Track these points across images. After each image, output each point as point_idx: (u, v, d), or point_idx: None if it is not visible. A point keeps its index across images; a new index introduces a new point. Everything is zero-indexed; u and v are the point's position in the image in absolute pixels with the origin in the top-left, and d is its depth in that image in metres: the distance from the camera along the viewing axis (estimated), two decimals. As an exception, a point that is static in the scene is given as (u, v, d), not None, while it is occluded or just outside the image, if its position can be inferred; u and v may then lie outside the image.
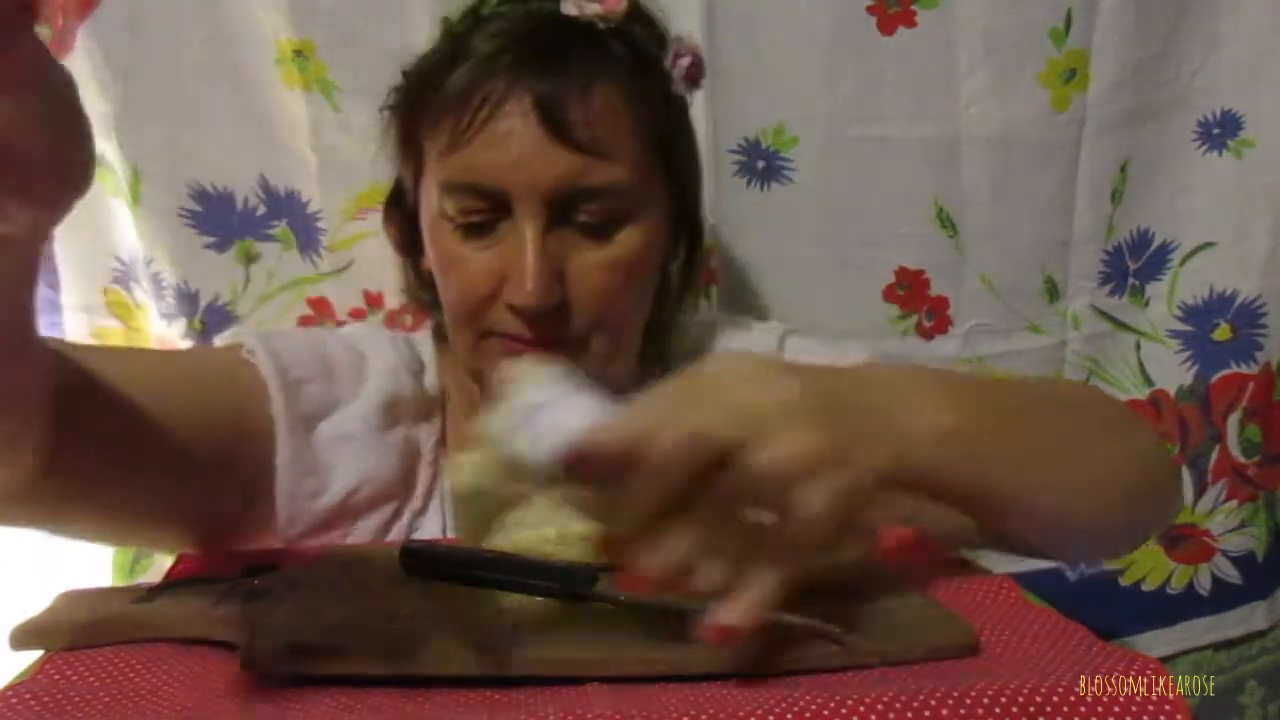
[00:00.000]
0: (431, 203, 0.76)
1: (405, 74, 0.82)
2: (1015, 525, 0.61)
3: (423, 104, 0.77)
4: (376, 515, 0.78)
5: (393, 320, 1.04)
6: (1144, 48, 1.06)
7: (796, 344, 0.91)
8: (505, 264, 0.73)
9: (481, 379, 0.79)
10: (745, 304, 1.08)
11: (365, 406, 0.78)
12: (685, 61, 0.81)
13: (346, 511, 0.76)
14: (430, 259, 0.79)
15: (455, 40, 0.77)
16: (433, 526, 0.80)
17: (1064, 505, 0.61)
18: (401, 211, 0.84)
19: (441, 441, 0.83)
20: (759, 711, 0.42)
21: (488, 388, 0.78)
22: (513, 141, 0.71)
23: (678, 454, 0.44)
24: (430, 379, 0.85)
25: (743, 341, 0.90)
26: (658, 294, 0.83)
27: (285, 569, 0.63)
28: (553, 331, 0.74)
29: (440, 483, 0.81)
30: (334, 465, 0.76)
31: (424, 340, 0.88)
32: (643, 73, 0.77)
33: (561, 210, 0.72)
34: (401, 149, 0.82)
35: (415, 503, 0.80)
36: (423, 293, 0.88)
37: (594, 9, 0.76)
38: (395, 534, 0.78)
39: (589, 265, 0.74)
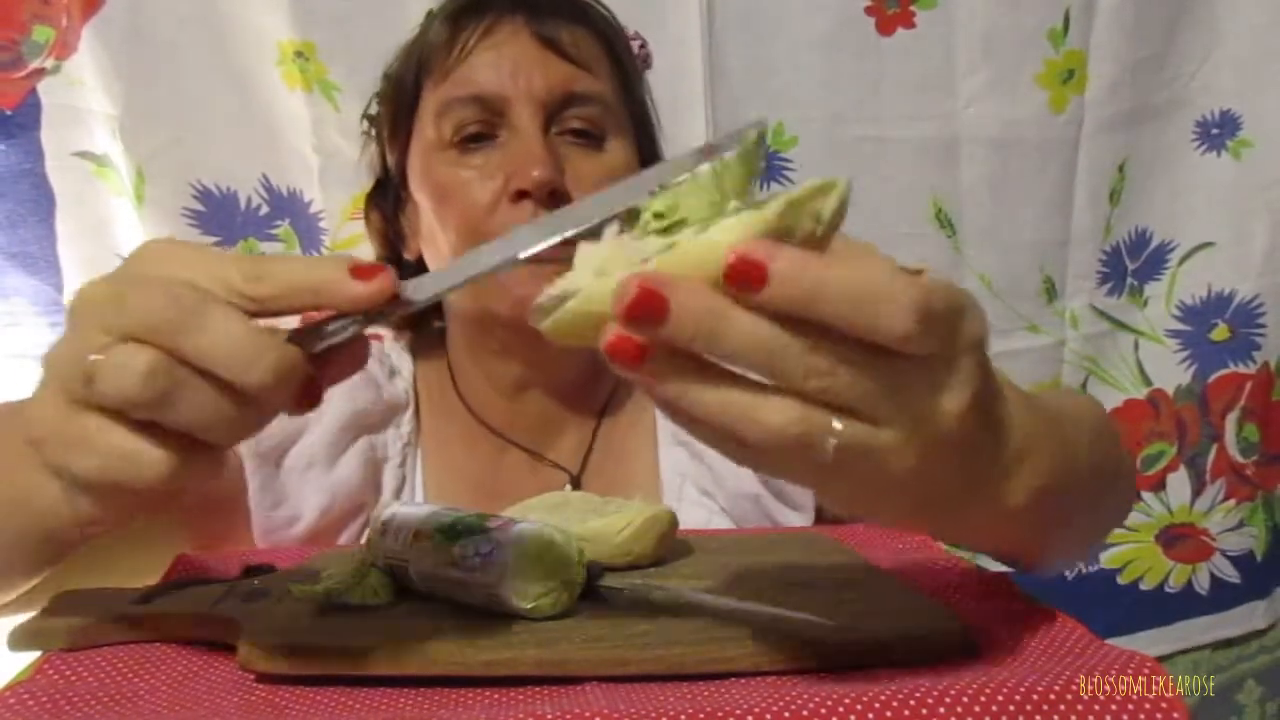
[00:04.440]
0: (426, 139, 0.80)
1: (387, 75, 0.86)
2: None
3: (413, 68, 0.81)
4: (353, 525, 0.81)
5: (393, 320, 1.05)
6: (1142, 48, 1.07)
7: None
8: (508, 162, 0.77)
9: (484, 320, 0.81)
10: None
11: (326, 431, 0.80)
12: (637, 44, 0.89)
13: (322, 532, 0.80)
14: (428, 200, 0.81)
15: (434, 16, 0.83)
16: None
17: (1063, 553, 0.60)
18: (385, 202, 0.87)
19: (413, 444, 0.86)
20: (755, 710, 0.42)
21: (491, 325, 0.81)
22: (508, 51, 0.78)
23: None
24: (403, 383, 0.87)
25: None
26: None
27: (285, 569, 0.63)
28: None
29: (411, 482, 0.84)
30: (303, 493, 0.79)
31: (393, 347, 0.90)
32: (613, 31, 0.85)
33: (554, 116, 0.78)
34: (391, 127, 0.84)
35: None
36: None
37: None
38: None
39: (586, 170, 0.78)
